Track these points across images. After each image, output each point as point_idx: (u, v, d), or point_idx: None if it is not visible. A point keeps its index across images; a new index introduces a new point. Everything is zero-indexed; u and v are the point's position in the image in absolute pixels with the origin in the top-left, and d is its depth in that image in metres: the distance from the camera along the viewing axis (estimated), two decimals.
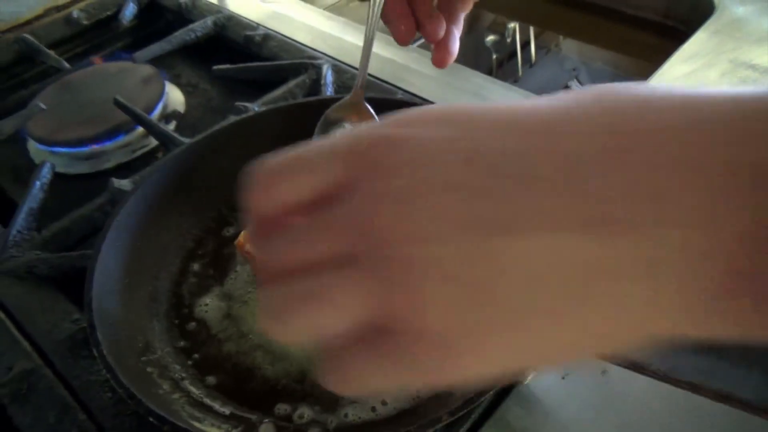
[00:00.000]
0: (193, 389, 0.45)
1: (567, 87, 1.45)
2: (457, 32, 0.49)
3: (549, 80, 1.44)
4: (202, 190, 0.57)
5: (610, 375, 0.46)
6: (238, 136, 0.58)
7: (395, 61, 0.80)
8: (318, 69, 0.74)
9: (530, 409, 0.44)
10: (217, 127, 0.59)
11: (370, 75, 0.76)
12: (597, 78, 1.42)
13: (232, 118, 0.61)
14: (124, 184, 0.60)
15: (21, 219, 0.59)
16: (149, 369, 0.45)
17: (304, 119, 0.51)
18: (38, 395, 0.46)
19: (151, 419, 0.37)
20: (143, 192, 0.54)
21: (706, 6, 0.86)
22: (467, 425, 0.42)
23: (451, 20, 0.49)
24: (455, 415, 0.37)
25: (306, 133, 0.48)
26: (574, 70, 1.45)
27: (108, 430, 0.43)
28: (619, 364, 0.37)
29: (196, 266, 0.55)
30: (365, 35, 0.49)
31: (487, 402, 0.44)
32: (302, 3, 0.98)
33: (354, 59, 0.80)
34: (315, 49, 0.81)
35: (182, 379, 0.46)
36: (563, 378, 0.45)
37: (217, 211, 0.58)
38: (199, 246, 0.56)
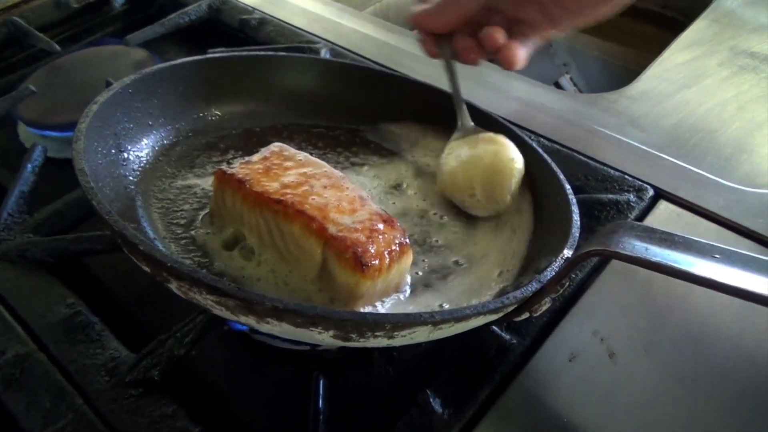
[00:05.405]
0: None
1: (557, 83, 1.45)
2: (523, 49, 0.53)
3: (540, 75, 1.43)
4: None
5: (616, 358, 0.45)
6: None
7: (393, 45, 0.79)
8: (316, 53, 0.73)
9: (538, 391, 0.43)
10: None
11: (366, 58, 0.75)
12: (588, 72, 1.42)
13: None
14: None
15: (12, 202, 0.58)
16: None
17: None
18: (33, 380, 0.44)
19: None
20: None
21: None
22: (476, 406, 0.42)
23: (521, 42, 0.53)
24: None
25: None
26: (564, 65, 1.45)
27: (105, 414, 0.42)
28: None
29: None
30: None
31: (495, 383, 0.43)
32: None
33: (350, 43, 0.79)
34: (312, 33, 0.80)
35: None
36: (570, 361, 0.45)
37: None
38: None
